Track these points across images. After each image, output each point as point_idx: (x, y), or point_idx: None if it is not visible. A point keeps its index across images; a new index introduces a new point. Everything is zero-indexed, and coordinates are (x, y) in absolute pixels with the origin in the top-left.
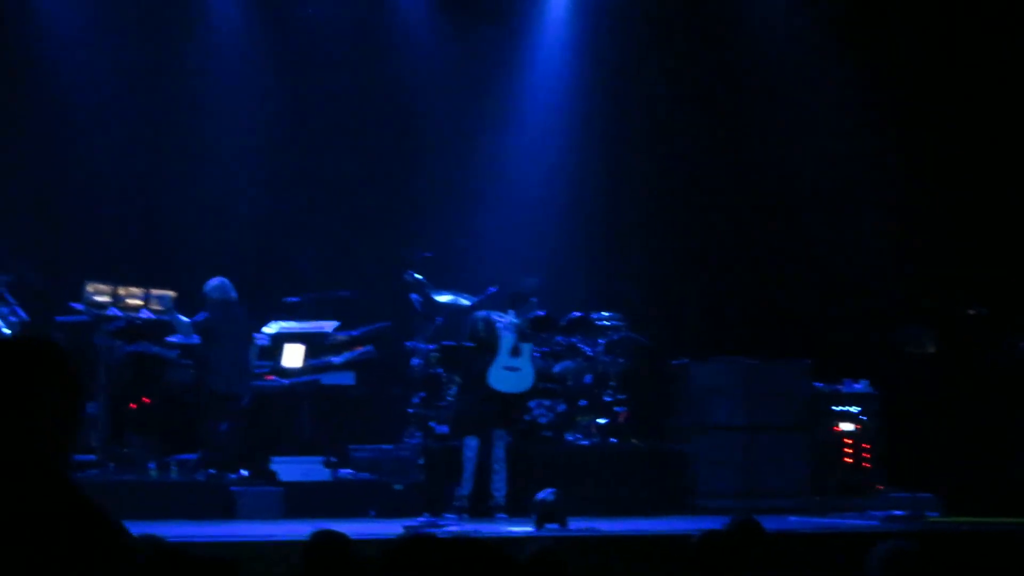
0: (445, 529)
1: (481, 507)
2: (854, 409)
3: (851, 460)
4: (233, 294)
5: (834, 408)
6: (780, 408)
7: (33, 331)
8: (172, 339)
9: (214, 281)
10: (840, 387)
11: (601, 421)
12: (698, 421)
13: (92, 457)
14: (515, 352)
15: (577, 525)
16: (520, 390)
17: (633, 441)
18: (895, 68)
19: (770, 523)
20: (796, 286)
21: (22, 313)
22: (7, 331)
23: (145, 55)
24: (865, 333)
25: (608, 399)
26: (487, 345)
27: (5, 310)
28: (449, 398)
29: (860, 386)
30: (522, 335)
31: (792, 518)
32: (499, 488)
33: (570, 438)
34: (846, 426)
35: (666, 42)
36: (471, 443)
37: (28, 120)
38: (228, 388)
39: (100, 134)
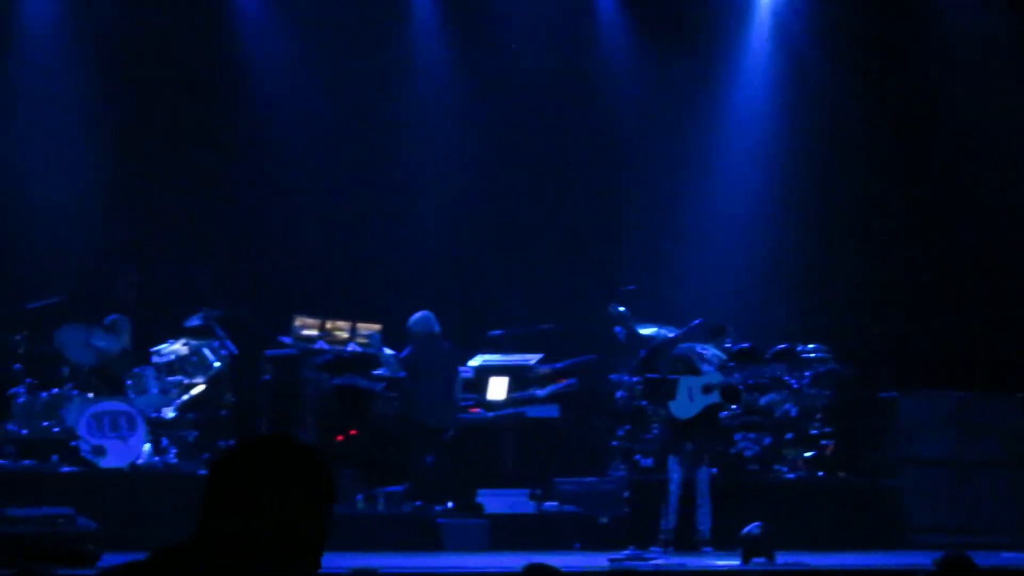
0: (651, 562)
1: (687, 540)
2: None
3: None
4: (437, 328)
5: None
6: (992, 442)
7: (243, 365)
8: (378, 372)
9: (418, 315)
10: None
11: (807, 454)
12: (907, 454)
13: None
14: (707, 389)
15: (784, 559)
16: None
17: (840, 474)
18: None
19: (982, 559)
20: (1009, 319)
21: (232, 347)
22: (217, 364)
23: (352, 92)
24: None
25: (814, 432)
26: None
27: (216, 344)
28: (654, 431)
29: None
30: (724, 368)
31: (1006, 554)
32: (704, 521)
33: (776, 471)
34: None
35: (866, 72)
36: (675, 476)
37: (238, 157)
38: (434, 421)
39: (308, 170)
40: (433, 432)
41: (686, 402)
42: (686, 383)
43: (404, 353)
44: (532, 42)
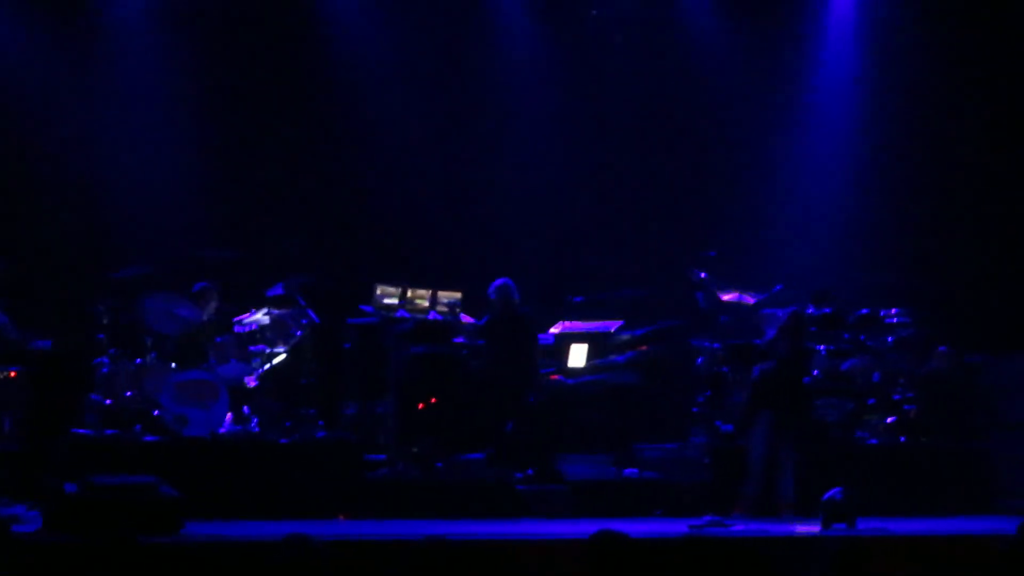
0: (731, 528)
1: (769, 506)
2: None
3: None
4: (516, 295)
5: None
6: None
7: (324, 334)
8: (459, 340)
9: (497, 282)
10: None
11: (890, 419)
12: (996, 418)
13: (382, 456)
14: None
15: (866, 525)
16: None
17: (923, 439)
18: None
19: None
20: None
21: (313, 316)
22: (299, 333)
23: (437, 59)
24: None
25: (897, 397)
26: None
27: (297, 313)
28: (735, 397)
29: None
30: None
31: None
32: (786, 487)
33: (859, 437)
34: None
35: (952, 37)
36: (757, 442)
37: (320, 125)
38: (514, 388)
39: (390, 140)
40: (514, 399)
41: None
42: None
43: (483, 321)
44: (614, 8)
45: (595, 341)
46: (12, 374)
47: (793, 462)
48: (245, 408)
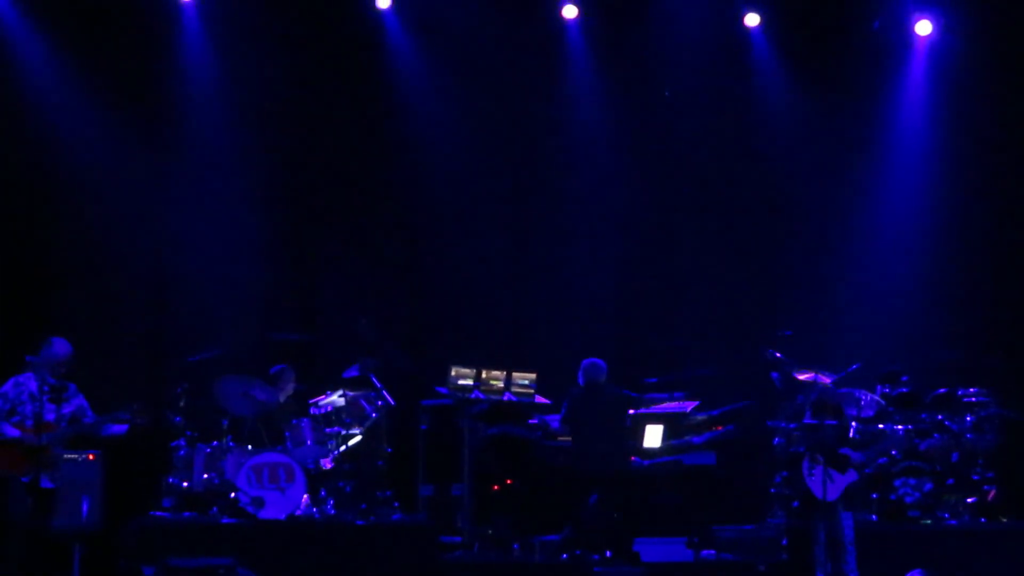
0: None
1: None
2: None
3: None
4: (602, 375)
5: None
6: None
7: (399, 415)
8: (534, 421)
9: (586, 362)
10: None
11: (969, 500)
12: None
13: (458, 539)
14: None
15: None
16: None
17: (1003, 520)
18: None
19: None
20: None
21: (389, 397)
22: (374, 415)
23: (509, 137)
24: None
25: (976, 477)
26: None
27: (372, 395)
28: (812, 477)
29: None
30: (884, 413)
31: None
32: (851, 568)
33: (938, 517)
34: None
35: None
36: (818, 524)
37: (394, 207)
38: (592, 469)
39: (463, 222)
40: (591, 480)
41: (826, 482)
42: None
43: (563, 410)
44: (687, 84)
45: (671, 422)
46: (91, 456)
47: (855, 542)
48: (321, 490)
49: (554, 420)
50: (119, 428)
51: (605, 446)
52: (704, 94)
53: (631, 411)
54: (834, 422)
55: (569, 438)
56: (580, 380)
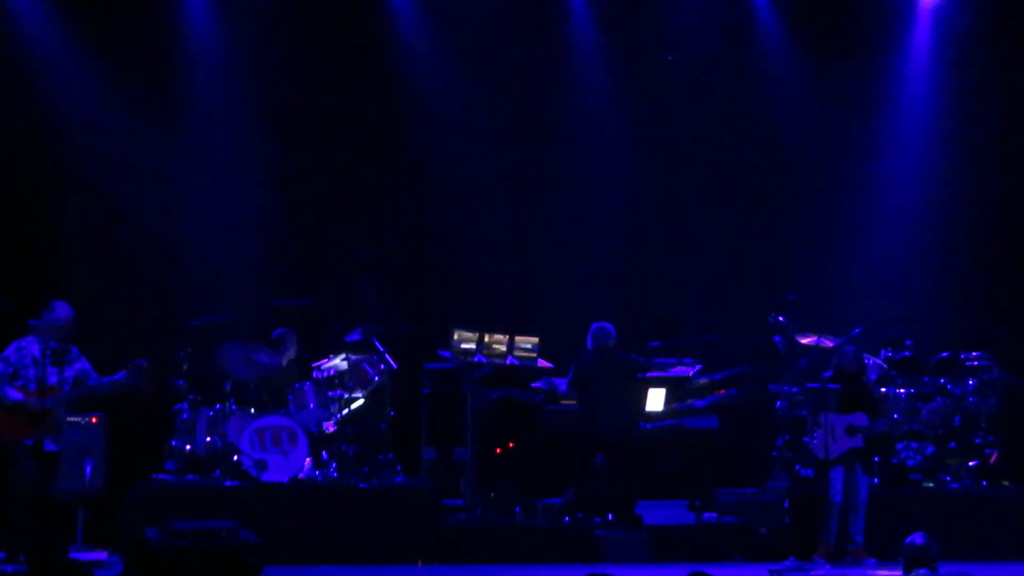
0: (811, 573)
1: (842, 550)
2: None
3: None
4: (611, 340)
5: None
6: None
7: (402, 379)
8: (539, 384)
9: (594, 326)
10: None
11: (971, 463)
12: None
13: (460, 502)
14: (851, 431)
15: (948, 570)
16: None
17: (1005, 483)
18: None
19: None
20: None
21: (391, 361)
22: (377, 378)
23: (512, 103)
24: None
25: (978, 441)
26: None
27: (375, 358)
28: (815, 440)
29: None
30: (886, 377)
31: None
32: (858, 531)
33: (940, 481)
34: None
35: None
36: (837, 487)
37: (397, 172)
38: (599, 433)
39: (466, 186)
40: (593, 444)
41: (829, 441)
42: (829, 422)
43: (570, 373)
44: (691, 51)
45: (673, 385)
46: (93, 420)
47: (865, 505)
48: (323, 453)
49: (561, 383)
50: (119, 376)
51: (613, 410)
52: (708, 58)
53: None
54: (853, 386)
55: (575, 402)
56: (588, 344)
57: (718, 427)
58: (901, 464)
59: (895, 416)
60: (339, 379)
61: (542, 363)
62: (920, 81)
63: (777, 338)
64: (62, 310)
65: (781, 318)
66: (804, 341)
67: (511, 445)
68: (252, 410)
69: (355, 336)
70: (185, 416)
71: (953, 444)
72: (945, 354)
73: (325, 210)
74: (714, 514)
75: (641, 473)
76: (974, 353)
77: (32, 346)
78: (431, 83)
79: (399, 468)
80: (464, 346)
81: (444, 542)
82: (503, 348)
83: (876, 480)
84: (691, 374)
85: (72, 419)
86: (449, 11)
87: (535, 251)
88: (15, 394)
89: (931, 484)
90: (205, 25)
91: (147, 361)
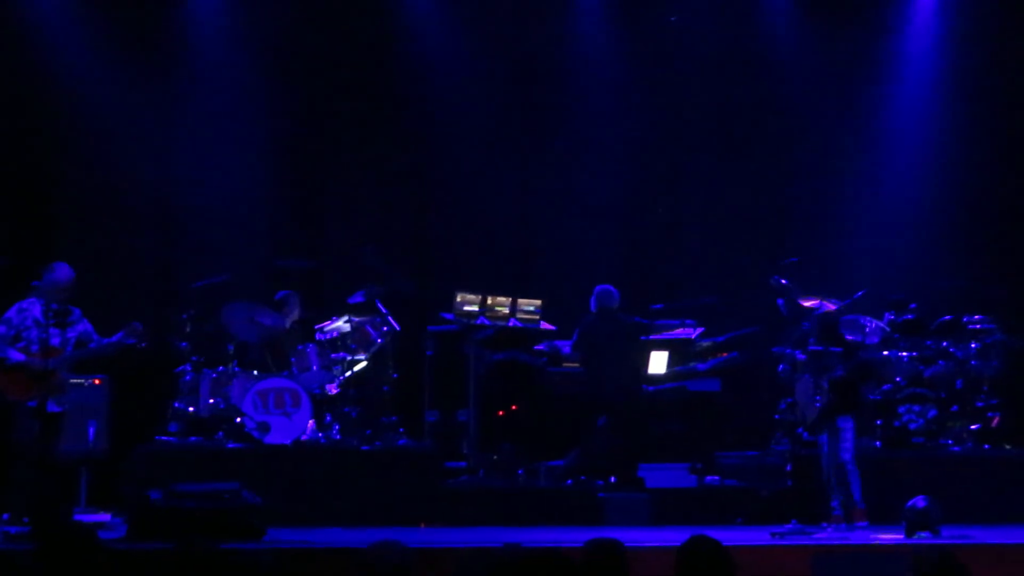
0: (814, 536)
1: (847, 513)
2: None
3: None
4: (614, 302)
5: None
6: None
7: (405, 341)
8: (539, 347)
9: (598, 288)
10: None
11: (973, 427)
12: None
13: (462, 464)
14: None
15: (950, 533)
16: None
17: (1007, 447)
18: None
19: None
20: None
21: (394, 323)
22: (380, 340)
23: (513, 65)
24: None
25: (980, 404)
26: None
27: (378, 320)
28: (816, 403)
29: None
30: (889, 340)
31: None
32: (856, 492)
33: (942, 444)
34: None
35: None
36: (824, 450)
37: (399, 134)
38: (603, 395)
39: (469, 148)
40: (596, 406)
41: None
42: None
43: (575, 336)
44: (694, 14)
45: (676, 348)
46: (96, 381)
47: (856, 466)
48: (326, 415)
49: (565, 345)
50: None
51: (616, 373)
52: (710, 20)
53: (643, 338)
54: (838, 348)
55: (577, 364)
56: (592, 306)
57: (720, 390)
58: (903, 427)
59: (898, 380)
60: (342, 341)
61: (544, 326)
62: (924, 45)
63: (780, 300)
64: (63, 271)
65: (784, 280)
66: (807, 304)
67: (514, 407)
68: (255, 372)
69: (358, 298)
70: (188, 378)
71: (955, 407)
72: (948, 317)
73: (327, 170)
74: (716, 477)
75: (644, 436)
76: (977, 316)
77: (34, 307)
78: (433, 42)
79: (402, 430)
80: (467, 308)
81: (447, 504)
82: (506, 310)
83: (879, 443)
84: (693, 336)
85: (75, 380)
86: None
87: (538, 214)
88: (17, 355)
89: (933, 447)
90: None
91: (142, 324)
